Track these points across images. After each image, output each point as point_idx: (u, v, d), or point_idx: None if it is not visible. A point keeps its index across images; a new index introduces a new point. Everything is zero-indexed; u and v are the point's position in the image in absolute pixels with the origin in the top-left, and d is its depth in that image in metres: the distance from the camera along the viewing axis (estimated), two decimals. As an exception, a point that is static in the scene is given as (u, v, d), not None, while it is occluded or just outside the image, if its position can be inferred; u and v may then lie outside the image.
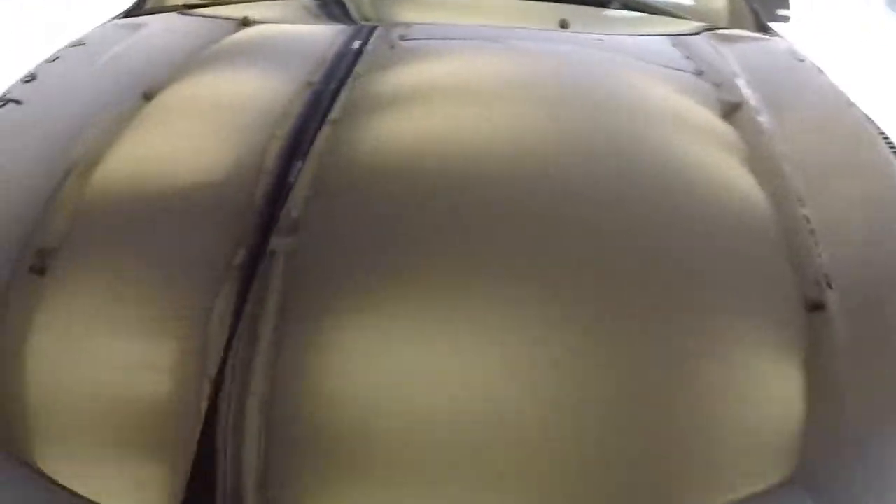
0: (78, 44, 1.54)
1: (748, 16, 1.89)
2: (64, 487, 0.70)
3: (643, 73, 1.34)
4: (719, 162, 1.08)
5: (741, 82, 1.32)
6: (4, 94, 1.29)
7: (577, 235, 0.91)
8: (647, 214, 0.95)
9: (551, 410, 0.74)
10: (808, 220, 0.97)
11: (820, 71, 1.51)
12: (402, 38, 1.43)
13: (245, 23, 1.53)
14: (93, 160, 1.05)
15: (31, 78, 1.35)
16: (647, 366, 0.78)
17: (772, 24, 2.15)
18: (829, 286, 0.88)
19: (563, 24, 1.57)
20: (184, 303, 0.82)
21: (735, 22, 1.85)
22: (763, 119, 1.19)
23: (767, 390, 0.79)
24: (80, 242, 0.93)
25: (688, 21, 1.78)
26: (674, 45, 1.51)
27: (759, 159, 1.07)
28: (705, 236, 0.94)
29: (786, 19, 2.30)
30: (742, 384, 0.78)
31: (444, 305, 0.82)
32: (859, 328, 0.84)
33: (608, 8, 1.77)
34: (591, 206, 0.96)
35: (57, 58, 1.46)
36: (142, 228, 0.94)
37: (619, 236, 0.92)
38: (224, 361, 0.75)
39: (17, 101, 1.27)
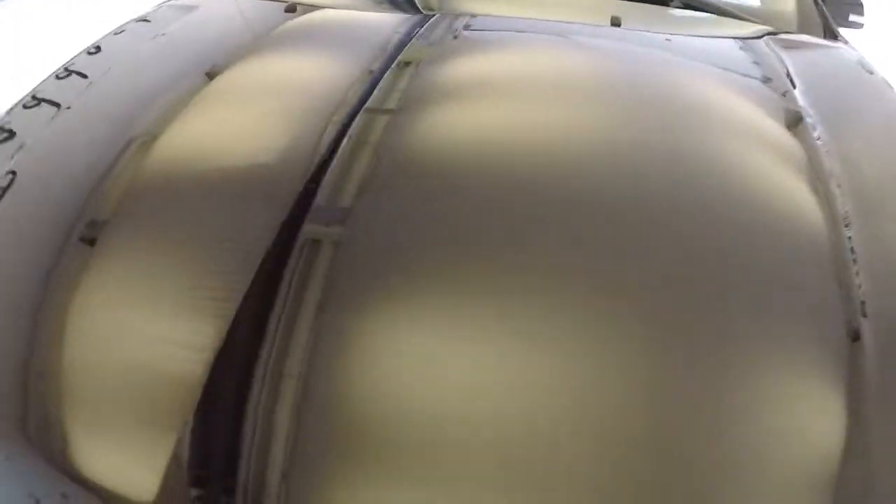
0: (143, 19, 1.57)
1: (817, 21, 1.82)
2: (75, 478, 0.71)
3: (710, 77, 1.31)
4: (780, 175, 1.04)
5: (803, 94, 1.27)
6: (68, 65, 1.31)
7: (629, 244, 0.89)
8: (700, 225, 0.93)
9: (585, 425, 0.72)
10: (850, 241, 0.93)
11: (889, 86, 1.43)
12: (467, 27, 1.41)
13: (291, 9, 1.52)
14: (153, 136, 1.07)
15: (95, 50, 1.38)
16: (679, 383, 0.76)
17: (844, 31, 2.07)
18: (864, 314, 0.84)
19: (615, 22, 1.53)
20: (218, 282, 0.83)
21: (803, 27, 1.78)
22: (817, 133, 1.15)
23: (807, 422, 0.76)
24: (130, 216, 0.95)
25: (749, 23, 1.71)
26: (742, 49, 1.46)
27: (816, 176, 1.04)
28: (757, 254, 0.91)
29: (859, 26, 2.20)
30: (780, 414, 0.75)
31: (488, 308, 0.81)
32: (890, 361, 0.81)
33: (669, 6, 1.72)
34: (647, 214, 0.94)
35: (122, 31, 1.49)
36: (188, 207, 0.95)
37: (670, 248, 0.90)
38: (259, 343, 0.76)
39: (82, 74, 1.29)
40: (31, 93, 1.23)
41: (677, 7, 1.72)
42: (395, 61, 1.22)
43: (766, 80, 1.31)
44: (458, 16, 1.47)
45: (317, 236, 0.88)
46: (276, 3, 1.58)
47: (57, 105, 1.18)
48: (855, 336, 0.82)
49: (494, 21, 1.49)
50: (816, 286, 0.88)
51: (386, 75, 1.17)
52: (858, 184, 1.04)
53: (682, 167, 1.01)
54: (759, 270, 0.88)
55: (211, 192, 0.97)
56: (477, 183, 0.96)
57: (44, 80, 1.27)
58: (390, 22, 1.47)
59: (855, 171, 1.07)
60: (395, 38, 1.33)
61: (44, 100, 1.20)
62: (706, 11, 1.74)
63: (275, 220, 0.89)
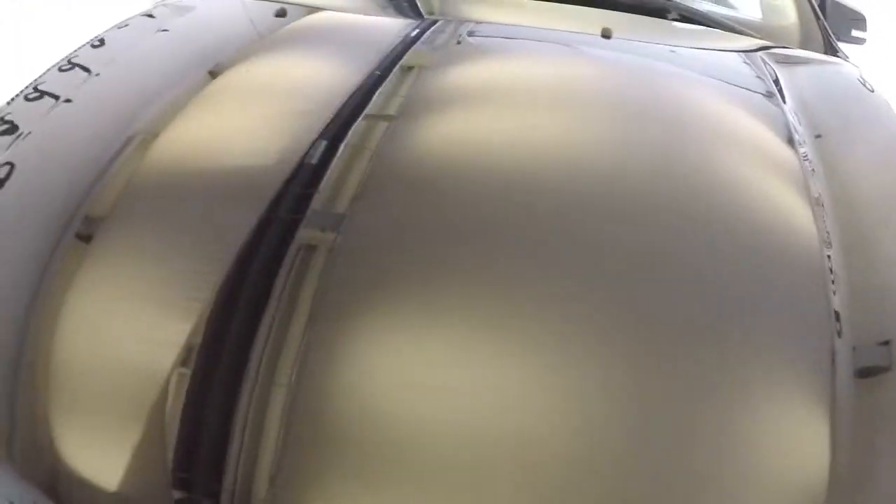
0: (147, 14, 1.56)
1: (818, 36, 1.81)
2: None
3: (714, 90, 1.31)
4: (780, 192, 1.05)
5: (794, 112, 1.27)
6: (71, 57, 1.31)
7: (621, 258, 0.89)
8: (695, 243, 0.93)
9: (573, 439, 0.73)
10: (829, 262, 0.93)
11: (888, 105, 1.43)
12: (471, 34, 1.41)
13: (281, 14, 1.52)
14: (154, 133, 1.06)
15: (99, 43, 1.38)
16: (663, 399, 0.76)
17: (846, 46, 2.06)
18: (839, 335, 0.84)
19: (606, 34, 1.52)
20: (197, 283, 0.83)
21: (805, 42, 1.78)
22: (809, 153, 1.14)
23: (794, 444, 0.76)
24: (127, 215, 0.95)
25: (746, 37, 1.70)
26: (738, 70, 1.46)
27: (799, 195, 1.04)
28: (750, 271, 0.91)
29: (861, 41, 2.19)
30: (764, 433, 0.76)
31: (482, 320, 0.81)
32: (861, 382, 0.81)
33: (668, 19, 1.71)
34: (642, 229, 0.94)
35: (126, 25, 1.48)
36: (184, 208, 0.95)
37: (662, 265, 0.90)
38: (249, 349, 0.75)
39: (85, 67, 1.28)
40: (32, 84, 1.23)
41: (675, 19, 1.72)
42: (398, 66, 1.21)
43: (769, 95, 1.31)
44: (462, 22, 1.47)
45: (312, 242, 0.87)
46: (273, 4, 1.59)
47: (57, 97, 1.18)
48: (830, 354, 0.82)
49: (498, 29, 1.49)
50: (796, 304, 0.88)
51: (387, 80, 1.16)
52: (846, 204, 1.04)
53: (674, 180, 1.02)
54: (742, 288, 0.89)
55: (207, 194, 0.97)
56: (474, 192, 0.95)
57: (46, 72, 1.27)
58: (393, 26, 1.47)
59: (843, 192, 1.06)
60: (398, 43, 1.33)
61: (46, 92, 1.19)
62: (705, 25, 1.73)
63: (270, 224, 0.89)
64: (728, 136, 1.15)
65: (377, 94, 1.13)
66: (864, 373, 0.82)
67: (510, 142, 1.04)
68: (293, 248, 0.86)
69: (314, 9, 1.55)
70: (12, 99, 1.20)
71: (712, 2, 1.98)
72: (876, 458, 0.76)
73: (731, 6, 2.02)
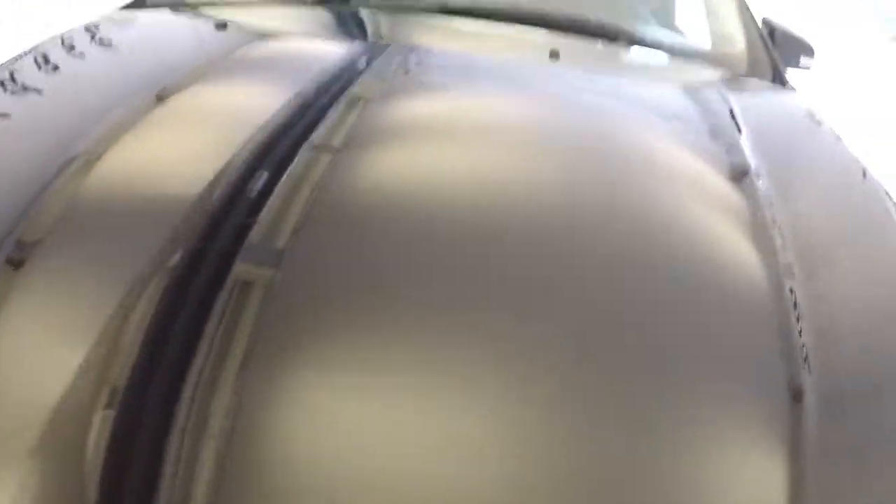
0: (89, 28, 1.53)
1: (767, 64, 1.84)
2: None
3: (653, 127, 1.29)
4: (721, 230, 1.04)
5: (749, 144, 1.26)
6: (12, 71, 1.27)
7: (565, 299, 0.87)
8: (638, 282, 0.91)
9: (528, 487, 0.69)
10: (792, 293, 0.92)
11: (837, 137, 1.45)
12: (418, 63, 1.40)
13: (221, 25, 1.51)
14: (95, 155, 1.03)
15: (43, 59, 1.34)
16: (615, 442, 0.73)
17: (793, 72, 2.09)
18: (808, 370, 0.83)
19: (554, 54, 1.53)
20: (125, 318, 0.78)
21: (753, 70, 1.80)
22: (765, 185, 1.14)
23: (749, 483, 0.73)
24: (58, 241, 0.90)
25: (697, 65, 1.70)
26: (689, 97, 1.46)
27: (758, 228, 1.03)
28: (698, 310, 0.90)
29: (808, 67, 2.24)
30: (722, 474, 0.73)
31: (428, 363, 0.77)
32: (833, 417, 0.79)
33: (618, 44, 1.71)
34: (584, 268, 0.92)
35: (70, 38, 1.44)
36: (112, 235, 0.92)
37: (607, 303, 0.88)
38: (178, 394, 0.71)
39: (25, 84, 1.25)
40: None
41: (624, 45, 1.72)
42: (344, 95, 1.19)
43: (713, 133, 1.30)
44: (410, 50, 1.46)
45: (248, 277, 0.83)
46: (210, 19, 1.56)
47: None
48: (797, 391, 0.81)
49: (446, 58, 1.49)
50: (757, 341, 0.87)
51: (333, 110, 1.14)
52: (804, 237, 1.04)
53: (619, 219, 1.00)
54: (698, 326, 0.87)
55: (141, 223, 0.93)
56: (418, 228, 0.93)
57: None
58: (340, 53, 1.45)
59: (801, 224, 1.06)
60: (345, 71, 1.31)
61: None
62: (655, 49, 1.74)
63: (205, 257, 0.86)
64: (683, 169, 1.15)
65: (322, 124, 1.10)
66: (833, 405, 0.80)
67: (455, 177, 1.03)
68: (228, 284, 0.81)
69: (260, 31, 1.53)
70: None
71: (662, 27, 1.99)
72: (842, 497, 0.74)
73: (679, 32, 2.03)
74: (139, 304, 0.80)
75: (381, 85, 1.27)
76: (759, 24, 2.07)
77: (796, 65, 2.16)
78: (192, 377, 0.72)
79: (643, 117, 1.33)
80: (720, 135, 1.29)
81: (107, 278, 0.84)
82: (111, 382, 0.73)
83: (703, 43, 1.94)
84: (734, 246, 0.99)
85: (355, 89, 1.22)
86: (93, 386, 0.72)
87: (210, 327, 0.76)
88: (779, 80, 1.78)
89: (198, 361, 0.73)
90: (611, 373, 0.79)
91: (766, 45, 1.90)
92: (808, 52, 2.23)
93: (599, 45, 1.69)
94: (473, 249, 0.91)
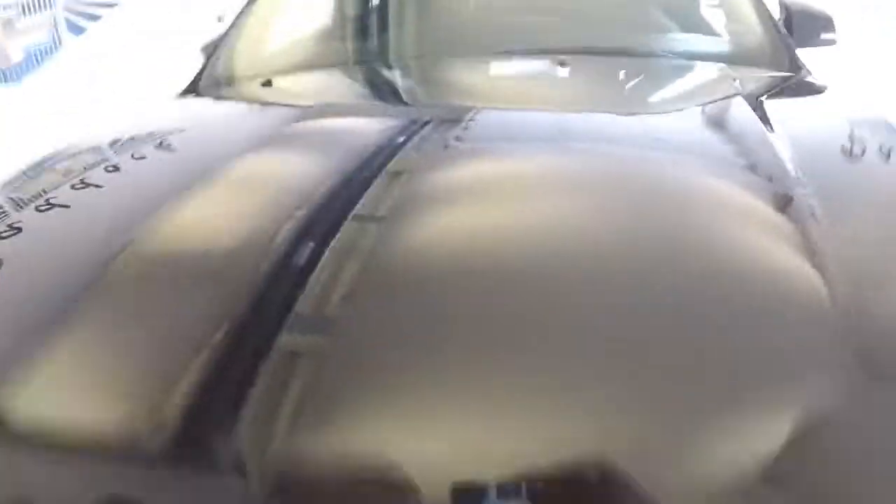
0: (150, 129, 1.61)
1: (784, 53, 1.88)
2: None
3: (700, 176, 1.25)
4: (784, 262, 1.00)
5: (792, 167, 1.22)
6: (84, 178, 1.35)
7: (626, 364, 0.83)
8: (703, 316, 0.89)
9: None
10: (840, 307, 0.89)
11: (882, 152, 1.39)
12: (458, 138, 1.40)
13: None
14: (146, 235, 1.08)
15: (113, 168, 1.42)
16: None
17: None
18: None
19: (562, 63, 1.65)
20: (170, 393, 0.81)
21: (773, 62, 1.85)
22: (811, 205, 1.10)
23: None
24: (109, 312, 0.96)
25: (722, 69, 1.78)
26: (729, 141, 1.44)
27: (815, 254, 0.99)
28: (760, 341, 0.86)
29: (832, 42, 2.24)
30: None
31: (484, 433, 0.76)
32: (879, 447, 0.77)
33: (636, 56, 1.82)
34: (654, 318, 0.88)
35: (132, 152, 1.50)
36: (156, 304, 0.95)
37: (671, 345, 0.85)
38: (222, 464, 0.75)
39: (93, 184, 1.33)
40: (45, 197, 1.27)
41: (643, 56, 1.81)
42: (386, 169, 1.22)
43: (752, 167, 1.27)
44: (450, 123, 1.48)
45: (295, 348, 0.83)
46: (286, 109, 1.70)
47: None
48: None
49: (486, 129, 1.50)
50: (816, 367, 0.84)
51: (376, 183, 1.16)
52: (855, 262, 0.99)
53: (678, 257, 0.98)
54: (762, 357, 0.84)
55: (185, 297, 0.95)
56: (469, 293, 0.91)
57: (58, 187, 1.34)
58: (381, 126, 1.51)
59: (845, 235, 1.03)
60: (386, 146, 1.35)
61: (55, 205, 1.24)
62: (678, 57, 1.82)
63: (251, 328, 0.87)
64: (719, 214, 1.10)
65: (366, 195, 1.12)
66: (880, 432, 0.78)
67: (503, 240, 1.01)
68: (275, 355, 0.81)
69: (305, 107, 1.63)
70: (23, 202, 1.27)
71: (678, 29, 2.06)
72: None
73: (717, 34, 2.07)
74: (185, 376, 0.82)
75: (421, 160, 1.28)
76: (777, 6, 2.11)
77: (817, 41, 2.15)
78: (238, 450, 0.75)
79: (690, 167, 1.28)
80: (769, 168, 1.23)
81: (156, 351, 0.87)
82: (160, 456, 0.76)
83: (721, 39, 1.99)
84: (811, 275, 0.95)
85: (396, 164, 1.24)
86: (139, 454, 0.76)
87: (253, 399, 0.78)
88: (794, 67, 1.82)
89: (243, 428, 0.76)
90: (681, 404, 0.78)
91: (779, 33, 1.93)
92: (829, 25, 2.21)
93: (620, 59, 1.77)
94: (526, 310, 0.88)
